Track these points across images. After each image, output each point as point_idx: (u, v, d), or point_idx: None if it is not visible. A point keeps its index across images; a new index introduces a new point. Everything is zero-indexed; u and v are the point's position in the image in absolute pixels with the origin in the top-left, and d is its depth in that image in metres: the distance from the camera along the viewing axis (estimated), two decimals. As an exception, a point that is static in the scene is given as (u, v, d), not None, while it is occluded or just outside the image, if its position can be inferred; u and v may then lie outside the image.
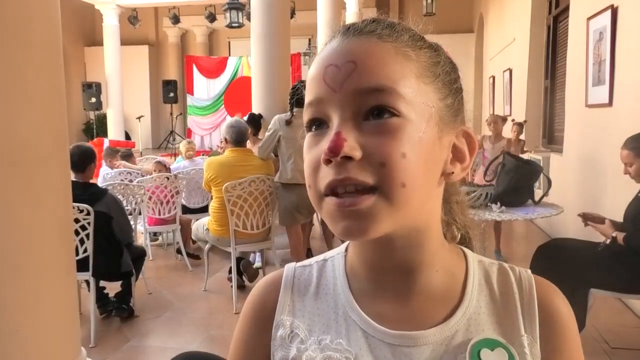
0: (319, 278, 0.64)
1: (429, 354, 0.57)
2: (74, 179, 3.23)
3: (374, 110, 0.52)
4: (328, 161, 0.51)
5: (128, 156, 6.48)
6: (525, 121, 6.68)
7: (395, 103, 0.51)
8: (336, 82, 0.52)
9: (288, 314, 0.63)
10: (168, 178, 4.88)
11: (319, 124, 0.55)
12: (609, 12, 3.97)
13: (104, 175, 5.62)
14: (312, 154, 0.54)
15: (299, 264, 0.67)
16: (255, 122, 4.78)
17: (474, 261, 0.63)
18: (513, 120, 6.70)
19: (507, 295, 0.60)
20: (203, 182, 4.04)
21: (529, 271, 0.63)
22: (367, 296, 0.61)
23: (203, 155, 7.66)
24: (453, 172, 0.58)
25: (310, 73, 0.56)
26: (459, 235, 0.67)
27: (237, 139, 3.94)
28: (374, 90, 0.51)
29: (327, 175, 0.52)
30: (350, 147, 0.50)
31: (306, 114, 0.56)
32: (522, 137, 6.55)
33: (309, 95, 0.55)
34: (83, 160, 3.39)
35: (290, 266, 0.67)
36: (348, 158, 0.50)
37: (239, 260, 4.01)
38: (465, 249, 0.65)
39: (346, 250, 0.65)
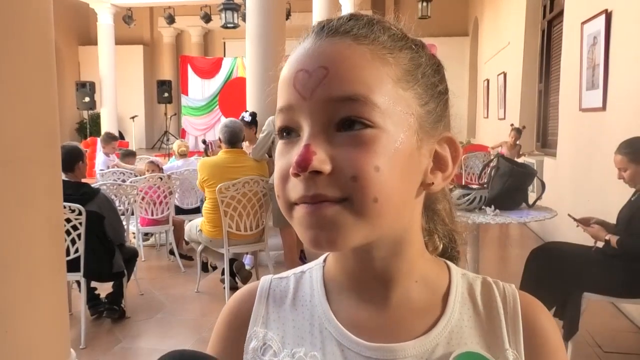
0: (296, 290, 0.62)
1: None
2: (65, 179, 3.20)
3: (345, 121, 0.48)
4: (297, 175, 0.48)
5: (129, 155, 6.47)
6: (524, 127, 6.70)
7: (370, 113, 0.48)
8: (307, 89, 0.49)
9: (262, 325, 0.60)
10: (161, 178, 4.86)
11: (289, 132, 0.52)
12: (603, 17, 3.99)
13: (102, 163, 5.73)
14: (281, 164, 0.51)
15: (276, 275, 0.65)
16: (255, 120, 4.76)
17: (458, 274, 0.61)
18: (512, 124, 6.72)
19: (490, 308, 0.58)
20: (197, 182, 4.02)
21: (513, 286, 0.61)
22: (345, 307, 0.58)
23: (197, 156, 7.64)
24: (433, 183, 0.54)
25: (282, 76, 0.53)
26: (441, 245, 0.64)
27: (231, 139, 3.92)
28: (347, 99, 0.48)
29: (295, 187, 0.49)
30: (320, 160, 0.47)
31: (277, 121, 0.53)
32: (518, 141, 6.60)
33: (280, 101, 0.52)
34: (69, 160, 3.32)
35: (266, 278, 0.65)
36: (317, 172, 0.47)
37: (232, 261, 3.99)
38: (449, 262, 0.63)
39: (324, 261, 0.63)
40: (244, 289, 0.66)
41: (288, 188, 0.50)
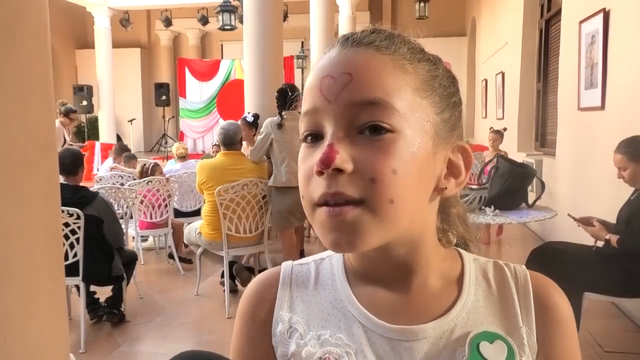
0: (317, 275, 0.65)
1: (428, 348, 0.57)
2: (63, 182, 3.19)
3: (368, 125, 0.52)
4: (320, 173, 0.51)
5: (132, 159, 6.42)
6: (504, 129, 6.29)
7: (390, 118, 0.52)
8: (331, 93, 0.53)
9: (287, 309, 0.63)
10: (160, 181, 4.84)
11: (314, 136, 0.55)
12: (600, 16, 3.99)
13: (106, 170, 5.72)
14: (306, 165, 0.55)
15: (296, 262, 0.68)
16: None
17: (470, 259, 0.64)
18: (491, 128, 6.43)
19: (504, 288, 0.61)
20: (196, 185, 4.01)
21: (523, 266, 0.64)
22: (365, 291, 0.61)
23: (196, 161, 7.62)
24: (446, 188, 0.58)
25: (308, 82, 0.56)
26: (455, 240, 0.67)
27: (226, 142, 3.92)
28: (369, 103, 0.52)
29: (318, 186, 0.52)
30: (342, 159, 0.51)
31: (302, 124, 0.56)
32: (504, 146, 6.00)
33: (305, 105, 0.56)
34: (75, 164, 3.36)
35: (287, 264, 0.67)
36: (339, 170, 0.51)
37: (231, 264, 3.98)
38: (460, 250, 0.66)
39: None
40: (266, 274, 0.68)
41: (311, 188, 0.53)
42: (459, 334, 0.58)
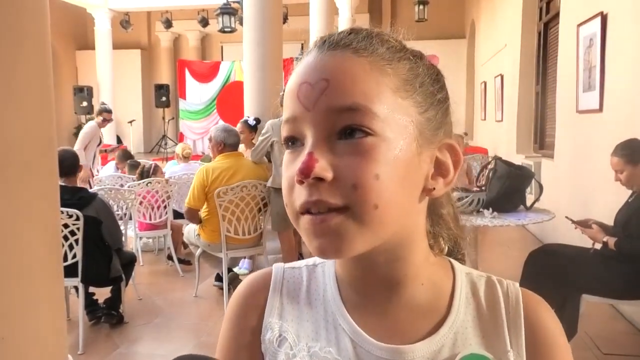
0: (309, 282, 0.63)
1: None
2: (62, 184, 3.20)
3: (346, 129, 0.51)
4: (301, 182, 0.50)
5: (135, 167, 6.34)
6: (465, 133, 6.03)
7: (370, 122, 0.50)
8: (309, 101, 0.52)
9: (277, 317, 0.61)
10: (159, 183, 4.85)
11: (294, 141, 0.54)
12: (598, 19, 4.00)
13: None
14: (288, 173, 0.53)
15: (288, 265, 0.66)
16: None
17: (462, 273, 0.62)
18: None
19: (494, 309, 0.60)
20: (195, 186, 3.86)
21: (517, 284, 0.62)
22: (356, 304, 0.60)
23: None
24: (435, 188, 0.56)
25: (287, 88, 0.55)
26: (447, 248, 0.65)
27: (237, 143, 3.98)
28: (347, 109, 0.50)
29: (300, 195, 0.51)
30: (322, 168, 0.50)
31: (283, 131, 0.55)
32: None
33: (285, 112, 0.54)
34: (73, 164, 3.40)
35: (279, 266, 0.66)
36: (320, 179, 0.50)
37: (229, 269, 3.98)
38: (453, 261, 0.63)
39: None
40: (256, 278, 0.66)
41: (294, 197, 0.52)
42: (446, 356, 0.56)
